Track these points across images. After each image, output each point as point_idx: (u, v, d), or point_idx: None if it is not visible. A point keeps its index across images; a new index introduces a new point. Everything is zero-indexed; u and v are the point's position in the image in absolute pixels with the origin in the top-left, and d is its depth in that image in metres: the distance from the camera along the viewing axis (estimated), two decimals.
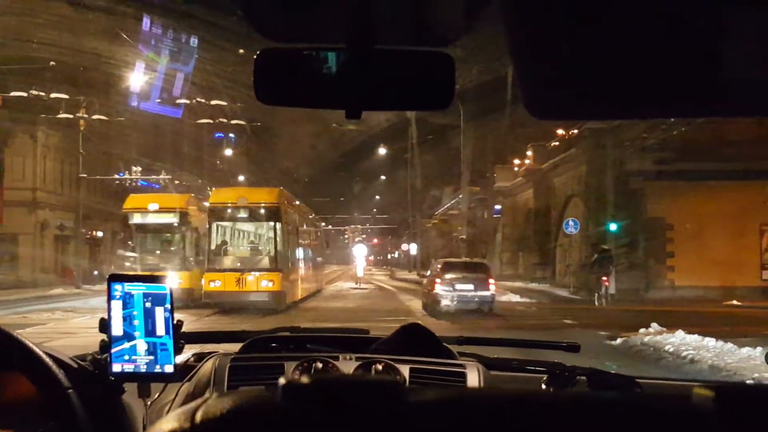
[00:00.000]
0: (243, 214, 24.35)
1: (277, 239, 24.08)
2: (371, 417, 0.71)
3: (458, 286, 21.22)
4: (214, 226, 23.99)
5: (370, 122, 45.88)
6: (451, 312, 20.53)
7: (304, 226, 31.07)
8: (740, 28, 0.96)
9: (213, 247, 23.77)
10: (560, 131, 38.03)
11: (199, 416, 0.73)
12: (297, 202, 31.31)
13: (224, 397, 0.76)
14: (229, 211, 24.34)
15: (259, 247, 24.89)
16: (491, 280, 21.64)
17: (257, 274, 23.15)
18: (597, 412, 0.78)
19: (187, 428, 0.72)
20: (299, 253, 28.26)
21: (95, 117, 36.18)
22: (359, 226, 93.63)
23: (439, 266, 22.61)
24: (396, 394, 0.74)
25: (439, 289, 21.33)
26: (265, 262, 23.91)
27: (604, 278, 24.16)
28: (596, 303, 23.85)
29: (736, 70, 0.97)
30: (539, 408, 0.79)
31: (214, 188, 30.27)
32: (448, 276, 21.48)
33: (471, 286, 21.19)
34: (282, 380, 0.75)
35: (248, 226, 25.31)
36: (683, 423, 0.75)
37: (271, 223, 24.18)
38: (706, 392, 0.76)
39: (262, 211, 24.38)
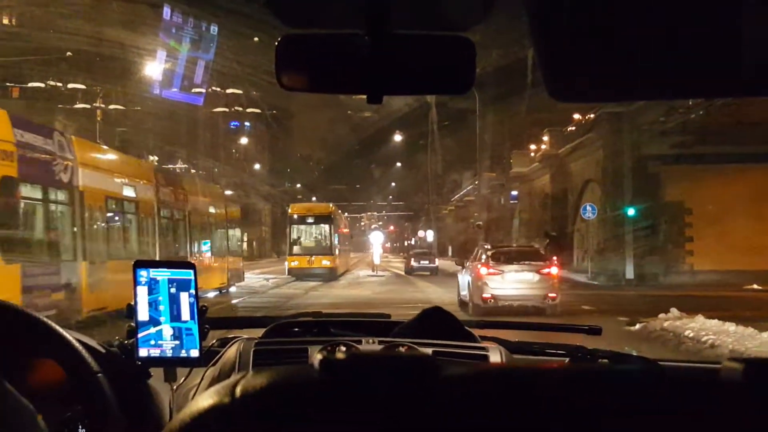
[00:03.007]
0: (310, 219, 38.20)
1: (331, 234, 38.18)
2: (405, 390, 0.73)
3: (421, 261, 43.80)
4: (293, 227, 38.17)
5: (388, 108, 45.97)
6: (416, 272, 41.69)
7: (342, 226, 45.90)
8: (760, 6, 0.96)
9: (292, 240, 37.91)
10: (577, 116, 37.83)
11: (238, 391, 0.75)
12: (339, 210, 47.05)
13: (262, 373, 0.78)
14: (302, 217, 38.32)
15: (321, 239, 38.19)
16: (436, 259, 44.33)
17: (320, 256, 36.80)
18: (625, 382, 0.80)
19: (227, 402, 0.74)
20: (341, 243, 42.13)
21: (112, 107, 36.41)
22: (375, 213, 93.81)
23: (411, 252, 48.50)
24: (428, 368, 0.76)
25: (410, 261, 44.45)
26: (324, 249, 37.54)
27: (555, 258, 30.15)
28: None
29: (758, 49, 0.97)
30: (566, 379, 0.81)
31: (291, 204, 43.98)
32: (415, 256, 45.45)
33: (427, 261, 43.60)
34: (318, 356, 0.77)
35: (313, 228, 38.46)
36: (711, 392, 0.77)
37: (326, 225, 38.27)
38: (735, 365, 0.77)
39: (321, 217, 38.37)
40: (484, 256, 19.42)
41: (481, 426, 0.73)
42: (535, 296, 17.98)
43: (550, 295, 18.04)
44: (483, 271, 18.40)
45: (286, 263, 37.57)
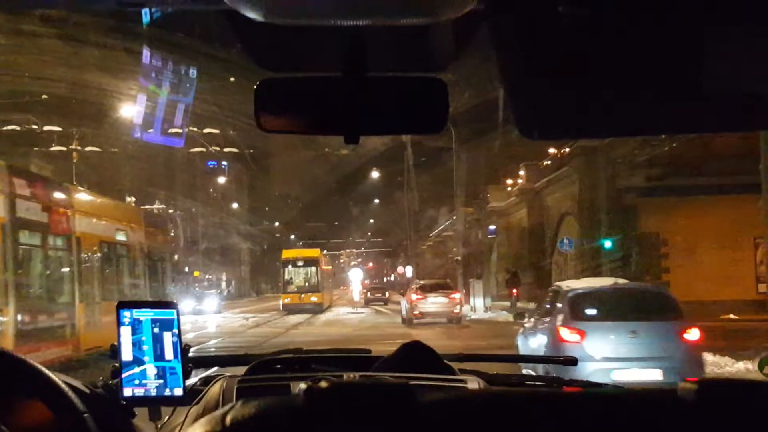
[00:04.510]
0: (300, 263, 46.03)
1: (318, 275, 45.69)
2: (386, 415, 0.77)
3: (374, 293, 54.31)
4: (286, 269, 45.73)
5: (366, 147, 46.25)
6: (371, 302, 50.59)
7: (327, 266, 53.09)
8: (723, 47, 1.01)
9: (285, 280, 45.24)
10: (552, 150, 38.13)
11: (228, 419, 0.79)
12: (324, 252, 55.34)
13: (250, 402, 0.82)
14: (293, 260, 46.24)
15: (309, 279, 45.48)
16: (386, 292, 55.51)
17: (309, 293, 44.26)
18: (590, 404, 0.85)
19: (218, 431, 0.78)
20: (326, 281, 49.61)
21: (88, 149, 36.27)
22: (354, 250, 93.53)
23: (368, 288, 57.90)
24: (407, 394, 0.80)
25: (367, 294, 54.22)
26: (313, 286, 45.00)
27: (515, 291, 34.89)
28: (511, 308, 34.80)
29: (721, 87, 1.02)
30: (537, 403, 0.85)
31: (284, 249, 51.82)
32: (370, 290, 56.12)
33: (380, 294, 54.01)
34: (303, 385, 0.81)
35: (303, 269, 45.75)
36: (667, 410, 0.82)
37: (314, 267, 45.96)
38: (691, 385, 0.83)
39: (309, 260, 46.34)
40: (415, 288, 30.42)
41: None
42: (446, 312, 28.63)
43: (455, 311, 28.88)
44: (414, 297, 29.11)
45: (281, 300, 44.80)
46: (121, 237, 20.65)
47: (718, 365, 12.77)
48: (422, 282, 31.52)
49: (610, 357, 9.75)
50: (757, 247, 28.37)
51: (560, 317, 10.41)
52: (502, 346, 14.87)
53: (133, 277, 21.40)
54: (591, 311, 10.43)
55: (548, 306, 11.46)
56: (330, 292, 54.23)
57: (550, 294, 11.83)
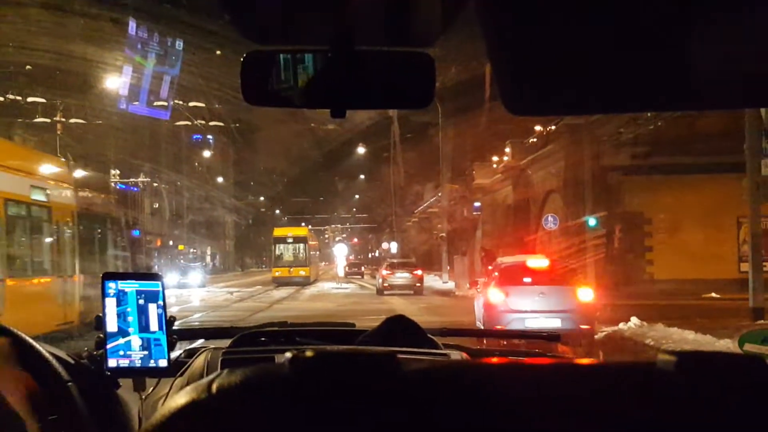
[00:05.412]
0: (290, 240, 50.59)
1: (306, 250, 50.16)
2: (370, 384, 0.78)
3: (352, 268, 59.42)
4: (277, 246, 50.28)
5: (352, 121, 46.12)
6: (349, 276, 54.31)
7: (314, 243, 57.04)
8: (712, 23, 1.01)
9: (276, 255, 50.00)
10: (538, 128, 38.13)
11: (215, 387, 0.80)
12: (311, 230, 60.80)
13: (236, 371, 0.83)
14: (284, 238, 50.69)
15: (298, 255, 50.02)
16: (363, 266, 65.16)
17: (298, 267, 48.71)
18: (573, 375, 0.86)
19: (204, 398, 0.79)
20: (314, 256, 54.67)
21: (72, 121, 36.00)
22: (339, 225, 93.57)
23: (347, 263, 57.83)
24: (391, 364, 0.81)
25: (347, 268, 55.44)
26: (301, 261, 49.60)
27: (490, 268, 36.78)
28: None
29: (709, 63, 1.02)
30: (523, 372, 0.87)
31: (274, 227, 57.34)
32: (349, 266, 57.93)
33: (356, 269, 61.05)
34: (288, 354, 0.82)
35: (292, 245, 50.19)
36: (647, 379, 0.83)
37: (302, 244, 50.34)
38: (669, 357, 0.84)
39: (298, 238, 50.92)
40: (385, 265, 37.68)
41: (444, 415, 0.78)
42: (410, 285, 34.74)
43: (417, 284, 35.08)
44: (384, 273, 36.01)
45: (272, 273, 49.01)
46: (38, 196, 15.96)
47: (700, 343, 12.89)
48: (391, 260, 39.65)
49: (525, 310, 13.35)
50: (740, 227, 28.57)
51: (493, 282, 14.38)
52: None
53: (57, 247, 16.95)
54: (513, 277, 14.25)
55: (491, 275, 15.31)
56: (317, 267, 57.95)
57: (495, 266, 15.91)
